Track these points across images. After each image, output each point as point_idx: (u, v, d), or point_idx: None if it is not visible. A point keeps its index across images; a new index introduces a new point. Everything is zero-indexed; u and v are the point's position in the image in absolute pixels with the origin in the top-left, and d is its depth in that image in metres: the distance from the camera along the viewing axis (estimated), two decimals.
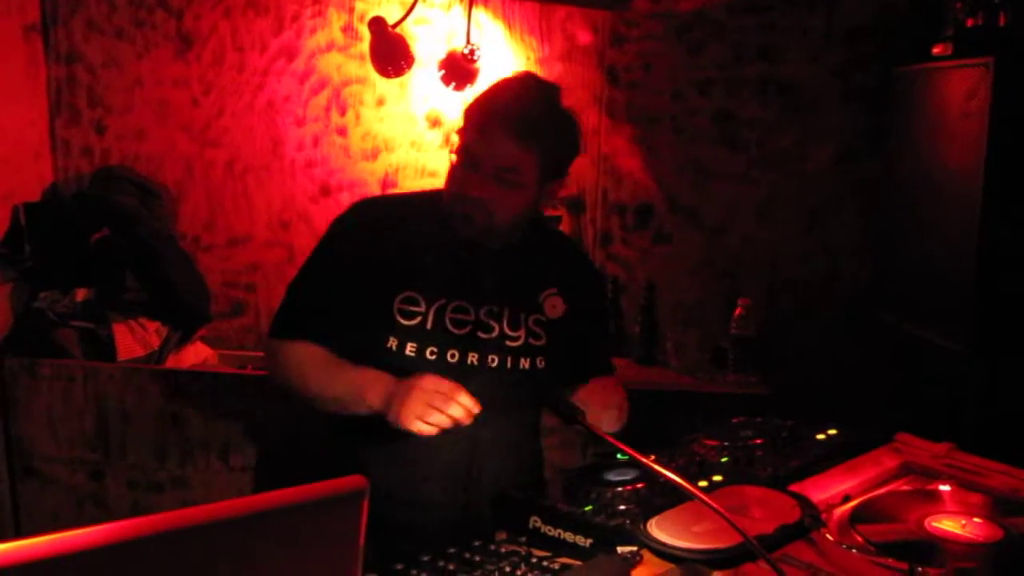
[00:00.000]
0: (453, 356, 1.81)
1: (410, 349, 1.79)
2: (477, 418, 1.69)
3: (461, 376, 1.74)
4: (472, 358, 1.81)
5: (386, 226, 1.87)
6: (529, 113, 1.75)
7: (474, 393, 1.75)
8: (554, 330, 1.90)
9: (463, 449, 1.82)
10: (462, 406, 1.64)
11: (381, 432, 1.74)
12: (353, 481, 0.92)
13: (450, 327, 1.81)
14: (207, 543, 0.89)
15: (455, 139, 1.83)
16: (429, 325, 1.80)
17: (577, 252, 2.13)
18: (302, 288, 1.89)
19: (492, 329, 1.84)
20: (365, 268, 1.82)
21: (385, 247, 1.84)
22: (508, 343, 1.85)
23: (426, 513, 1.85)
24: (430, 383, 1.66)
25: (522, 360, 1.86)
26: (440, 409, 1.63)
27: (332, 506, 0.93)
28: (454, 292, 1.82)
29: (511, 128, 1.73)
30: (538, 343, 1.87)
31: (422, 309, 1.80)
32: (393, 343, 1.79)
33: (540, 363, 1.88)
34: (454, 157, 1.81)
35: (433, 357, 1.79)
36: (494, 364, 1.83)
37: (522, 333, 1.86)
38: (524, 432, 1.98)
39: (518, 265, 1.89)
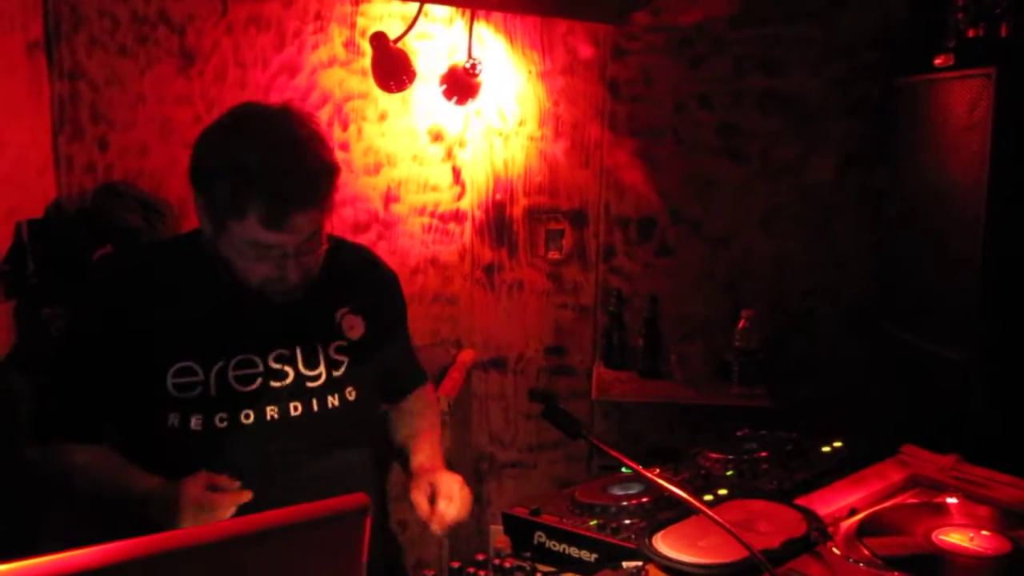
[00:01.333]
0: (248, 417, 1.62)
1: (196, 423, 1.59)
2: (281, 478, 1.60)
3: (264, 435, 1.62)
4: (271, 413, 1.63)
5: (138, 292, 1.64)
6: (313, 177, 1.57)
7: (283, 448, 1.63)
8: (358, 352, 1.75)
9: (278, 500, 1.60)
10: (233, 506, 1.46)
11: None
12: (355, 499, 0.92)
13: (236, 386, 1.62)
14: (211, 562, 0.89)
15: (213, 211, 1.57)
16: (213, 392, 1.60)
17: (363, 257, 1.90)
18: (61, 386, 1.66)
19: (286, 375, 1.66)
20: (123, 348, 1.61)
21: (141, 318, 1.61)
22: (308, 384, 1.68)
23: None
24: (192, 499, 1.46)
25: (329, 399, 1.69)
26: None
27: (334, 524, 0.93)
28: (232, 347, 1.63)
29: (306, 205, 1.55)
30: (339, 373, 1.71)
31: (200, 377, 1.60)
32: (175, 419, 1.59)
33: (351, 395, 1.72)
34: (236, 246, 1.56)
35: (224, 424, 1.60)
36: (297, 412, 1.65)
37: (322, 370, 1.70)
38: (353, 474, 1.74)
39: (304, 296, 1.67)
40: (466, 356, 3.30)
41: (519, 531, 1.61)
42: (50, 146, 3.32)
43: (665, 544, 1.43)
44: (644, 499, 1.62)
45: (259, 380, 1.64)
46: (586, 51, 3.27)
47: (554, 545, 1.55)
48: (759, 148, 3.28)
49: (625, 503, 1.61)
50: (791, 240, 3.31)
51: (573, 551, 1.52)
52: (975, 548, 1.45)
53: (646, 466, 1.52)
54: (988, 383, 2.55)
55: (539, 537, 1.57)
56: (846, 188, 3.27)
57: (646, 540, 1.44)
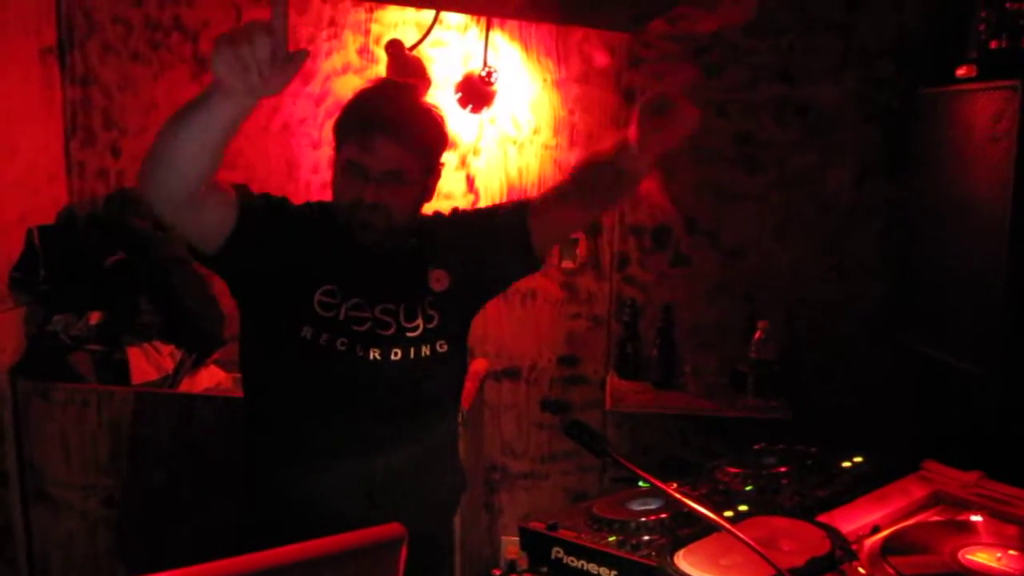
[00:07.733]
0: (361, 351, 1.87)
1: (324, 339, 1.85)
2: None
3: (368, 371, 1.86)
4: (375, 353, 1.88)
5: (312, 222, 1.95)
6: (402, 116, 1.88)
7: (382, 389, 1.88)
8: (445, 303, 1.98)
9: (365, 451, 1.88)
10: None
11: (283, 436, 1.89)
12: (390, 530, 0.91)
13: (353, 325, 1.88)
14: None
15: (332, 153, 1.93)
16: (342, 317, 1.87)
17: (437, 214, 2.13)
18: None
19: (389, 326, 1.90)
20: (290, 260, 1.88)
21: (313, 240, 1.92)
22: (408, 335, 1.92)
23: (331, 523, 1.67)
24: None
25: (423, 348, 1.93)
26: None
27: (370, 555, 0.91)
28: (353, 291, 1.90)
29: (391, 132, 1.83)
30: (432, 325, 1.95)
31: (337, 302, 1.88)
32: (308, 332, 1.85)
33: (441, 347, 1.95)
34: (337, 172, 1.91)
35: (344, 348, 1.86)
36: (398, 357, 1.89)
37: (419, 322, 1.93)
38: (437, 434, 2.02)
39: (406, 259, 1.97)
40: (479, 366, 3.27)
41: (536, 546, 1.58)
42: (62, 152, 3.32)
43: (687, 562, 1.40)
44: (663, 515, 1.59)
45: (368, 324, 1.89)
46: (602, 59, 3.25)
47: (572, 561, 1.52)
48: (775, 157, 3.25)
49: (644, 519, 1.58)
50: (808, 251, 3.28)
51: (592, 567, 1.49)
52: (1003, 569, 1.42)
53: (662, 479, 1.49)
54: (1010, 398, 2.51)
55: (557, 553, 1.54)
56: (863, 198, 3.24)
57: (668, 558, 1.41)
